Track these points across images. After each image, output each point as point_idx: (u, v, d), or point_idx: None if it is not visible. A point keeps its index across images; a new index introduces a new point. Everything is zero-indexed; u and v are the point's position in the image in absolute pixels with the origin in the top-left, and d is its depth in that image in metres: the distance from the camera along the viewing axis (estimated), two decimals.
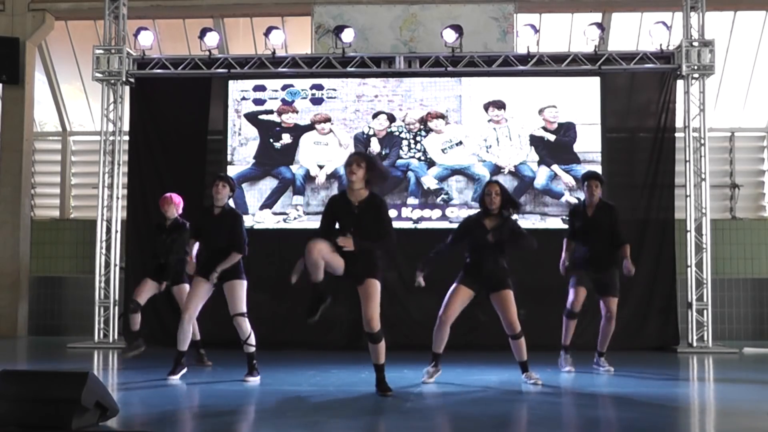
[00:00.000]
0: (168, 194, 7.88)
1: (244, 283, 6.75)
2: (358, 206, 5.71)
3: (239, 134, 10.23)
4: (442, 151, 10.04)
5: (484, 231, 6.41)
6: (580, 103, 9.98)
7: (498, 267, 6.42)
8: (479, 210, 6.60)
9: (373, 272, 5.68)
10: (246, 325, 6.64)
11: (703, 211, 9.72)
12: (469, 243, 6.51)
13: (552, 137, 9.99)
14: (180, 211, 7.80)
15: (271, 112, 10.23)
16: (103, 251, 10.19)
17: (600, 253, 7.29)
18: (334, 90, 10.21)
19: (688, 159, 9.78)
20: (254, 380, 6.58)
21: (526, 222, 9.81)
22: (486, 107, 10.06)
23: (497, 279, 6.39)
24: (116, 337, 10.04)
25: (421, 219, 9.93)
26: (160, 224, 7.90)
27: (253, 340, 6.66)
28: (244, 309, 6.68)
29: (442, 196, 9.99)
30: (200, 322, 9.87)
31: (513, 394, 6.08)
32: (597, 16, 10.83)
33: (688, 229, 9.69)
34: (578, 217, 7.50)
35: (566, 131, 9.99)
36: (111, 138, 10.41)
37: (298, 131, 10.19)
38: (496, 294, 6.39)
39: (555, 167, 9.93)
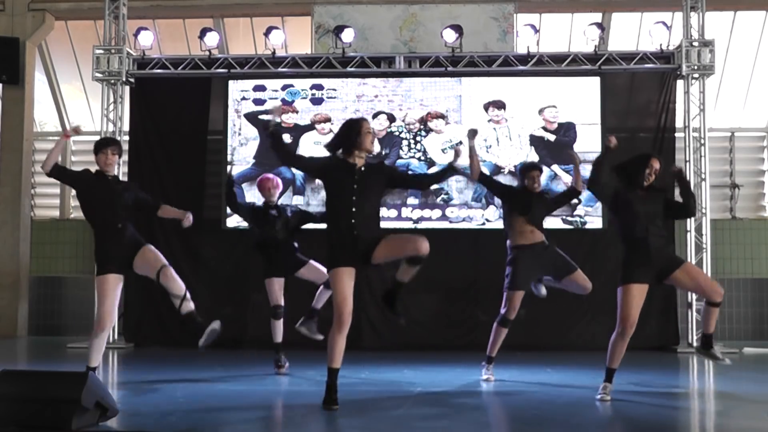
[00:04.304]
0: (271, 176, 7.37)
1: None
2: (361, 169, 5.42)
3: (239, 134, 10.23)
4: (442, 151, 10.04)
5: None
6: (580, 103, 9.98)
7: None
8: None
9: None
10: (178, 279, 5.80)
11: (703, 211, 9.71)
12: None
13: (552, 137, 10.00)
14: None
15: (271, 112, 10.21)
16: None
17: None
18: (334, 90, 10.21)
19: (688, 159, 9.78)
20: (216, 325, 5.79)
21: None
22: (486, 107, 10.05)
23: None
24: (116, 337, 10.04)
25: (421, 219, 9.93)
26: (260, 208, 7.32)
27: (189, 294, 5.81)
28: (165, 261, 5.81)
29: (442, 196, 9.99)
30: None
31: (513, 393, 6.08)
32: (597, 16, 10.82)
33: (688, 229, 9.69)
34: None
35: (566, 131, 9.99)
36: None
37: (298, 131, 10.19)
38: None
39: (555, 167, 9.93)
